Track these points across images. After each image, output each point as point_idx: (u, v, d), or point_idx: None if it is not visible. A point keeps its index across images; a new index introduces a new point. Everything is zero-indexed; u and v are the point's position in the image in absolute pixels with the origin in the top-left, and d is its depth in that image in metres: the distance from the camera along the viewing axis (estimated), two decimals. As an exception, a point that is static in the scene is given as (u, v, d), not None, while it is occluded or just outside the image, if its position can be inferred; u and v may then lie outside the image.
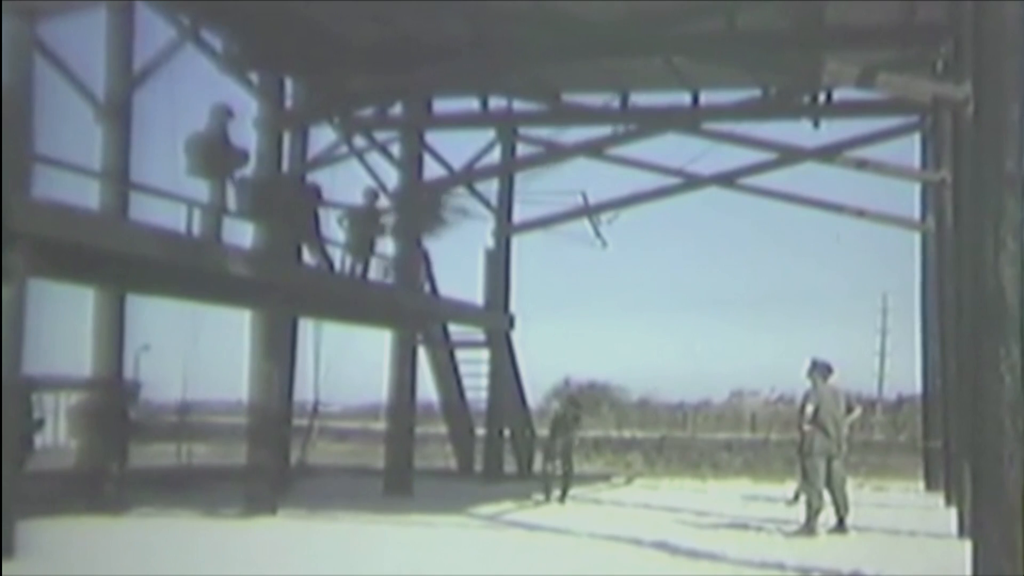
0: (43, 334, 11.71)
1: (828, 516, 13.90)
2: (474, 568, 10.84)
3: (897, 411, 46.32)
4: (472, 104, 20.97)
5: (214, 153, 15.39)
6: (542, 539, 13.24)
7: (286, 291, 15.78)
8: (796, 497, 17.02)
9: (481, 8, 15.57)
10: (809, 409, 13.97)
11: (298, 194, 17.65)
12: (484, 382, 23.19)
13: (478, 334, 23.39)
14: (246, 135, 16.28)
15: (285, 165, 17.40)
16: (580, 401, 19.09)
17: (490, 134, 22.41)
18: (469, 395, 23.84)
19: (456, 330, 23.56)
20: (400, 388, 19.01)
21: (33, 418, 14.37)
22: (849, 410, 14.28)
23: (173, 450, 25.02)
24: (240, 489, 15.42)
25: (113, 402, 16.20)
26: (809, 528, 13.71)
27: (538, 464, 24.60)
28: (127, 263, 13.41)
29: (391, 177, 20.25)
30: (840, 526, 13.90)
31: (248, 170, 16.09)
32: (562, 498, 17.62)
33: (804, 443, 14.08)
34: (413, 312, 19.74)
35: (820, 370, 14.05)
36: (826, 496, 13.96)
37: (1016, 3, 8.86)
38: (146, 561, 10.96)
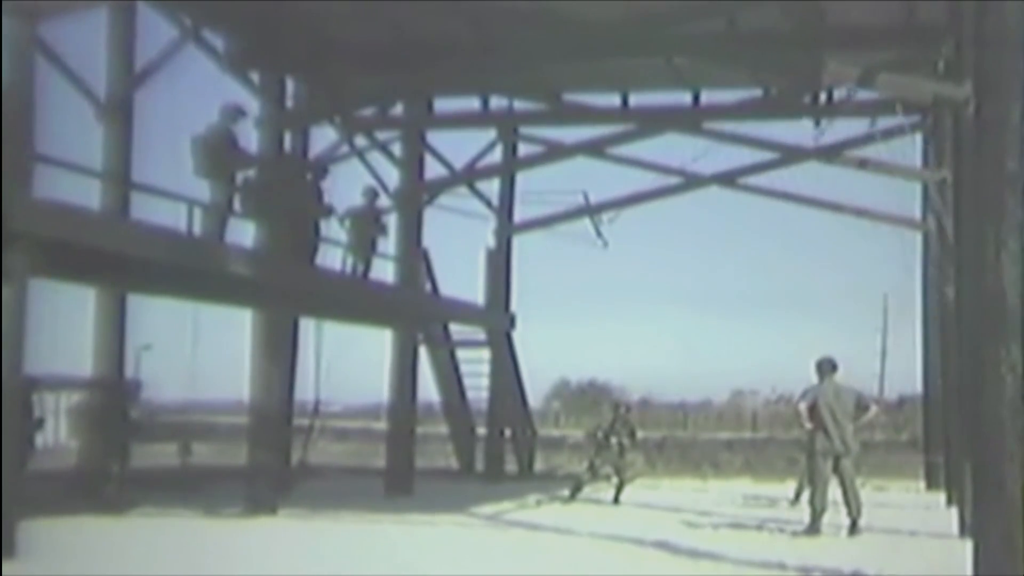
0: (43, 334, 11.73)
1: (839, 518, 13.72)
2: (475, 568, 10.84)
3: (898, 411, 46.22)
4: (473, 104, 20.97)
5: (220, 153, 15.40)
6: (543, 539, 13.24)
7: (287, 291, 15.79)
8: (797, 497, 17.02)
9: (481, 8, 15.57)
10: (803, 406, 13.79)
11: (299, 194, 17.65)
12: (485, 382, 23.19)
13: (479, 334, 23.39)
14: (247, 135, 16.32)
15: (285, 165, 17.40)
16: (630, 419, 19.17)
17: (491, 134, 22.42)
18: (470, 395, 23.85)
19: (457, 330, 23.57)
20: (401, 388, 19.01)
21: (34, 418, 14.39)
22: (864, 409, 13.91)
23: (173, 450, 24.99)
24: (241, 489, 15.42)
25: (114, 402, 16.21)
26: (814, 529, 13.57)
27: (539, 464, 24.79)
28: (128, 263, 13.40)
29: (392, 177, 20.30)
30: (853, 528, 13.57)
31: (250, 170, 16.13)
32: (616, 499, 17.76)
33: (809, 442, 13.99)
34: (414, 312, 19.75)
35: (824, 367, 13.81)
36: (829, 496, 13.93)
37: (1016, 3, 8.85)
38: (147, 561, 10.97)
